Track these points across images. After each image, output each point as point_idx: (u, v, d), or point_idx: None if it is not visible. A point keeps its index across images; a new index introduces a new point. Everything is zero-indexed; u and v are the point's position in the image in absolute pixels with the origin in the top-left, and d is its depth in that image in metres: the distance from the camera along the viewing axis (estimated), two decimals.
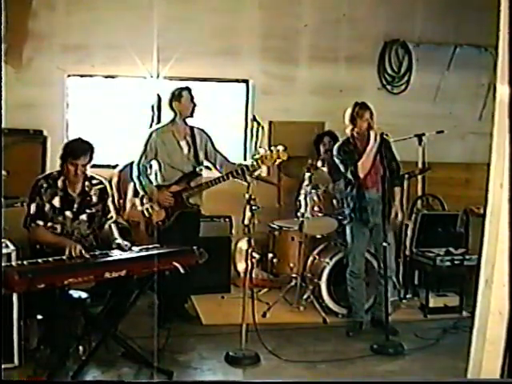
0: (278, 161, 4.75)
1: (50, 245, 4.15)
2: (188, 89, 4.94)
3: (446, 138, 6.17)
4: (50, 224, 4.20)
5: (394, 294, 5.21)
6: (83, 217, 4.31)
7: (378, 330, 4.86)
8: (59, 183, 4.25)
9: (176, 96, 4.90)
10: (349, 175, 4.79)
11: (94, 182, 4.39)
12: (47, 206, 4.20)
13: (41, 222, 4.18)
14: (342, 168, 4.84)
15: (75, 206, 4.28)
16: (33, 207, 4.19)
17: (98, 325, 4.02)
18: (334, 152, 4.89)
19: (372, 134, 4.68)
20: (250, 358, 4.26)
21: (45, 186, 4.22)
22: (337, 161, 4.87)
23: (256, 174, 4.75)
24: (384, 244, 4.62)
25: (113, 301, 4.09)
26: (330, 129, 6.29)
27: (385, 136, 4.70)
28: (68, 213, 4.26)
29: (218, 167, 5.05)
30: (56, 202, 4.23)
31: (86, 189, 4.33)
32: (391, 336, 4.60)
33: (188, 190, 4.92)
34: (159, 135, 4.92)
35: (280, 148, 4.71)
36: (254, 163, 4.72)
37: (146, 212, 4.90)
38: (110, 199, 4.47)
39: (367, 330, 4.93)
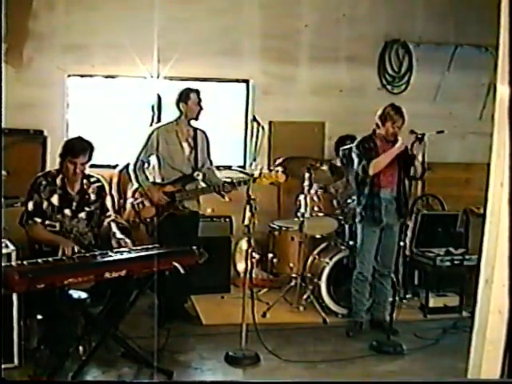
0: (277, 181, 4.80)
1: (45, 242, 4.17)
2: (197, 91, 4.93)
3: (446, 138, 6.14)
4: (48, 222, 4.21)
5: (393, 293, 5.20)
6: (82, 215, 4.32)
7: (378, 330, 4.86)
8: (58, 181, 4.26)
9: (183, 97, 4.90)
10: (359, 170, 4.74)
11: (92, 180, 4.41)
12: (45, 204, 4.21)
13: (38, 220, 4.18)
14: (355, 162, 4.79)
15: (74, 204, 4.30)
16: (30, 204, 4.20)
17: (98, 325, 4.02)
18: (354, 146, 4.86)
19: (400, 138, 4.67)
20: (249, 358, 4.26)
21: (44, 183, 4.23)
22: (353, 155, 4.82)
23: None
24: (401, 243, 4.72)
25: (113, 301, 4.09)
26: (331, 130, 6.30)
27: (419, 135, 4.70)
28: (67, 211, 4.27)
29: (204, 173, 5.05)
30: (55, 199, 4.24)
31: (85, 187, 4.35)
32: (387, 335, 4.58)
33: (181, 192, 4.92)
34: (162, 133, 4.91)
35: (279, 169, 4.75)
36: (255, 176, 4.75)
37: (136, 206, 4.90)
38: (108, 197, 4.48)
39: (367, 330, 4.93)
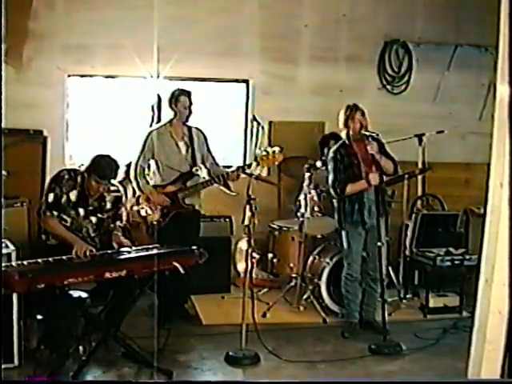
0: (275, 162, 4.76)
1: (58, 238, 4.15)
2: (188, 94, 4.91)
3: (446, 138, 6.17)
4: (61, 214, 4.20)
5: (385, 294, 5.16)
6: (93, 219, 4.31)
7: (368, 330, 4.85)
8: (79, 179, 4.25)
9: (174, 98, 4.90)
10: (343, 178, 4.74)
11: (113, 188, 4.40)
12: (64, 198, 4.20)
13: (55, 213, 4.18)
14: (331, 176, 4.78)
15: (90, 207, 4.29)
16: (51, 196, 4.19)
17: (98, 325, 4.02)
18: (331, 155, 4.82)
19: (366, 139, 4.66)
20: (249, 358, 4.26)
21: (66, 177, 4.23)
22: (330, 166, 4.80)
23: (256, 173, 4.75)
24: (378, 243, 4.62)
25: (113, 301, 4.09)
26: (331, 130, 6.26)
27: (375, 137, 4.69)
28: (81, 210, 4.26)
29: (208, 169, 5.05)
30: (73, 195, 4.23)
31: (104, 193, 4.34)
32: (383, 336, 4.56)
33: (183, 190, 4.92)
34: (157, 136, 4.92)
35: (276, 149, 4.71)
36: (254, 163, 4.73)
37: (142, 212, 4.90)
38: (123, 208, 4.48)
39: (364, 331, 4.92)
